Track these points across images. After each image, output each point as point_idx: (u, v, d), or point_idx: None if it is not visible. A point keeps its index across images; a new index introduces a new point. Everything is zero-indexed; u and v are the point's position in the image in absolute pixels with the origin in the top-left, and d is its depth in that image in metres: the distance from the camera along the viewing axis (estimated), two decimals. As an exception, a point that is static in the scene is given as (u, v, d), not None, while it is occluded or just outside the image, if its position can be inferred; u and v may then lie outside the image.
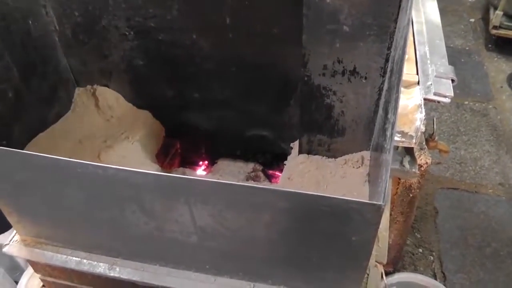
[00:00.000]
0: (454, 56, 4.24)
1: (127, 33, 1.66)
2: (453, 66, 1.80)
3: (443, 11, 2.12)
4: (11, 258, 2.12)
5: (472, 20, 4.78)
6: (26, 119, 1.63)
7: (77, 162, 1.07)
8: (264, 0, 1.47)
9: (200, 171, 1.97)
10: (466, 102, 3.82)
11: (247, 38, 1.57)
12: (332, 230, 1.03)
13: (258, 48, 1.58)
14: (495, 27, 4.13)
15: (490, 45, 4.41)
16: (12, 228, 1.45)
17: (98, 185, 1.14)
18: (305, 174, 1.56)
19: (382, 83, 1.37)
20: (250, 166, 1.90)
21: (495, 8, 4.08)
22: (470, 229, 2.88)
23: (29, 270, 1.95)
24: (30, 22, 1.61)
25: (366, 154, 1.54)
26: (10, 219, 1.39)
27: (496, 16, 4.05)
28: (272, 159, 1.92)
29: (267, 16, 1.50)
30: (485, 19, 4.60)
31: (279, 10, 1.48)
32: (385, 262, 1.37)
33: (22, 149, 1.61)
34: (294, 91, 1.63)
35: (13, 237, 1.47)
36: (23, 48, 1.59)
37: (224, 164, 1.92)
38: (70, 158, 1.63)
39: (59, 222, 1.34)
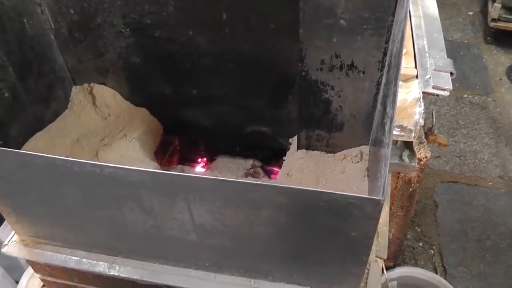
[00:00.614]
0: (453, 50, 4.23)
1: (123, 30, 1.65)
2: (452, 60, 1.80)
3: (441, 4, 2.12)
4: (11, 257, 2.11)
5: (471, 13, 4.77)
6: (23, 118, 1.63)
7: (75, 161, 1.07)
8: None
9: (199, 168, 1.97)
10: (465, 95, 3.81)
11: (244, 33, 1.56)
12: (332, 225, 1.03)
13: (255, 43, 1.58)
14: (493, 20, 4.12)
15: (489, 38, 4.40)
16: (10, 228, 1.45)
17: (96, 184, 1.13)
18: (304, 169, 1.56)
19: (380, 77, 1.36)
20: (249, 162, 1.89)
21: (493, 1, 4.07)
22: (470, 222, 2.88)
23: (30, 270, 1.95)
24: (25, 20, 1.60)
25: (365, 148, 1.53)
26: (9, 219, 1.38)
27: (495, 9, 4.03)
28: (271, 155, 1.91)
29: (264, 11, 1.49)
30: (484, 12, 4.59)
31: (275, 4, 1.47)
32: (385, 257, 1.36)
33: (19, 148, 1.60)
34: (292, 86, 1.63)
35: (12, 237, 1.47)
36: (19, 47, 1.58)
37: (223, 161, 1.92)
38: (68, 157, 1.63)
39: (57, 221, 1.34)
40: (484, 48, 4.32)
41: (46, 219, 1.35)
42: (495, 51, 4.27)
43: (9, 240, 1.46)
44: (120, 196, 1.14)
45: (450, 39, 4.37)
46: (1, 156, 1.14)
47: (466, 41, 4.41)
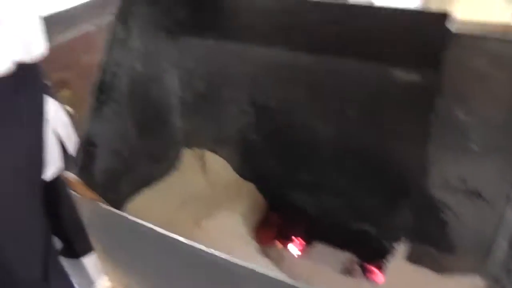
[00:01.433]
0: None
1: (246, 109, 1.68)
2: None
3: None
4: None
5: None
6: (135, 176, 1.68)
7: (187, 243, 1.05)
8: (395, 100, 1.43)
9: (294, 249, 1.92)
10: None
11: (370, 133, 1.52)
12: None
13: (380, 146, 1.53)
14: None
15: None
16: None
17: (199, 266, 1.12)
18: (407, 284, 1.49)
19: (506, 210, 1.29)
20: (346, 255, 1.83)
21: None
22: None
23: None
24: (153, 86, 1.67)
25: (475, 279, 1.44)
26: (105, 265, 1.42)
27: None
28: (369, 252, 1.84)
29: (395, 116, 1.45)
30: None
31: (409, 113, 1.42)
32: None
33: (127, 203, 1.65)
34: (409, 195, 1.55)
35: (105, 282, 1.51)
36: (143, 110, 1.65)
37: (319, 248, 1.86)
38: (171, 219, 1.66)
39: (149, 283, 1.35)
40: None
41: (139, 278, 1.36)
42: None
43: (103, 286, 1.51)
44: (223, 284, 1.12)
45: None
46: (113, 217, 1.18)
47: None
